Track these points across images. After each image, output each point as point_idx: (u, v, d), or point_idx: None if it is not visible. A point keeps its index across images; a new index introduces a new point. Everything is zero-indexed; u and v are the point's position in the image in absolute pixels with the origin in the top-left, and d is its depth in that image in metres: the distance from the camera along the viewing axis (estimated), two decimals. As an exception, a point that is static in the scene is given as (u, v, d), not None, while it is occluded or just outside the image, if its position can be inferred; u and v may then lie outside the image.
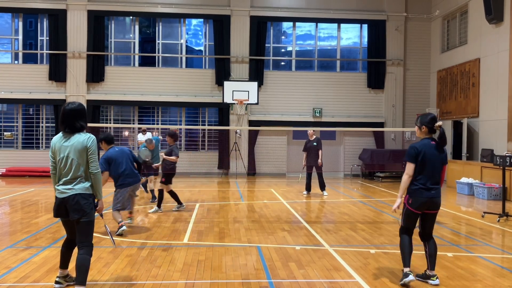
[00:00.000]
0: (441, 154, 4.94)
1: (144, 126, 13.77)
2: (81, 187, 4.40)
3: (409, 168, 4.91)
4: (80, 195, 4.36)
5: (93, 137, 4.49)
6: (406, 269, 4.92)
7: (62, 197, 4.38)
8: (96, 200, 4.54)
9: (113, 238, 5.03)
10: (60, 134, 4.51)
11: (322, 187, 12.44)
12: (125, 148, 7.85)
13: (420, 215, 5.01)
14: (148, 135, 15.82)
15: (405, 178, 4.93)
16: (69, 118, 4.44)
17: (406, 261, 4.97)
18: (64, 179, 4.41)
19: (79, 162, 4.39)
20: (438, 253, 6.33)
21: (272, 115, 18.11)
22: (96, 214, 4.55)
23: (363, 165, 17.80)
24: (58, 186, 4.44)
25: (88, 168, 4.43)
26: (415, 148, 4.91)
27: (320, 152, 12.14)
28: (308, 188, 12.44)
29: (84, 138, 4.42)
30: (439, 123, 4.92)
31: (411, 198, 4.93)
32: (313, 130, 12.49)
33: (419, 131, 5.05)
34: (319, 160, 12.10)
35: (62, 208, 4.42)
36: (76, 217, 4.37)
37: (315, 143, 12.19)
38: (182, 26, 18.31)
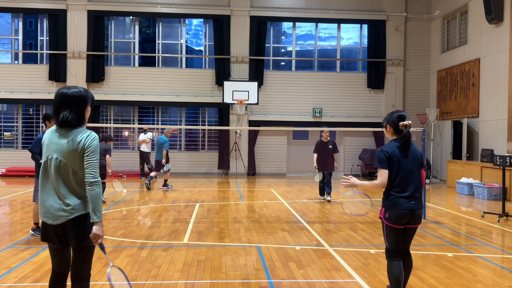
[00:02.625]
0: (415, 157, 4.22)
1: (145, 127, 14.28)
2: (83, 204, 3.28)
3: (383, 175, 4.15)
4: (81, 216, 3.26)
5: (94, 135, 3.36)
6: None
7: (56, 224, 3.25)
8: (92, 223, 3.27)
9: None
10: (54, 127, 3.41)
11: (329, 190, 11.52)
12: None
13: (402, 230, 4.25)
14: (149, 134, 16.14)
15: (376, 183, 4.20)
16: (57, 107, 3.38)
17: None
18: (54, 192, 3.27)
19: (73, 167, 3.26)
20: (438, 253, 6.36)
21: (272, 115, 18.10)
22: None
23: (363, 165, 17.80)
24: (46, 204, 3.29)
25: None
26: (384, 151, 4.17)
27: (336, 155, 11.37)
28: (323, 192, 11.59)
29: (82, 136, 3.29)
30: (405, 122, 4.17)
31: (388, 211, 4.17)
32: (328, 131, 11.41)
33: (385, 130, 4.36)
34: (336, 164, 11.37)
35: (56, 233, 3.29)
36: (76, 243, 3.28)
37: (330, 146, 11.28)
38: (182, 26, 18.31)
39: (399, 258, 4.22)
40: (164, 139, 12.99)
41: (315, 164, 11.31)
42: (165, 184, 13.31)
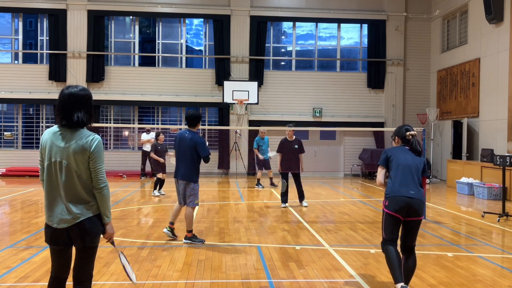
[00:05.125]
0: (416, 159, 4.69)
1: (148, 126, 14.42)
2: (87, 208, 3.27)
3: (379, 173, 4.78)
4: (88, 220, 3.26)
5: (98, 138, 3.29)
6: (400, 285, 4.31)
7: (61, 228, 3.24)
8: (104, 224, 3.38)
9: (130, 273, 3.80)
10: (55, 128, 3.32)
11: (302, 196, 10.47)
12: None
13: (401, 223, 4.55)
14: (152, 134, 16.02)
15: (377, 184, 4.85)
16: (67, 107, 3.25)
17: (398, 276, 4.35)
18: (59, 196, 3.24)
19: (77, 171, 3.23)
20: (438, 253, 6.37)
21: (272, 115, 18.10)
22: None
23: (363, 165, 17.80)
24: (51, 208, 3.26)
25: (92, 180, 3.27)
26: (385, 152, 4.81)
27: (301, 156, 10.26)
28: (286, 199, 10.28)
29: (87, 139, 3.24)
30: (411, 132, 4.78)
31: (388, 199, 4.54)
32: (293, 130, 10.29)
33: (393, 142, 4.98)
34: (302, 166, 10.28)
35: (60, 236, 3.27)
36: (82, 243, 3.28)
37: (296, 146, 10.18)
38: (182, 26, 18.31)
39: (392, 245, 4.50)
40: (256, 139, 14.14)
41: (279, 167, 10.24)
42: (257, 183, 14.16)
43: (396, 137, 4.90)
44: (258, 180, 14.16)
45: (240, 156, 17.68)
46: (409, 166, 4.61)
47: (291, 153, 10.18)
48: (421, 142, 4.86)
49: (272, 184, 14.27)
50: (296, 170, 10.23)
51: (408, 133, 4.78)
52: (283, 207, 10.19)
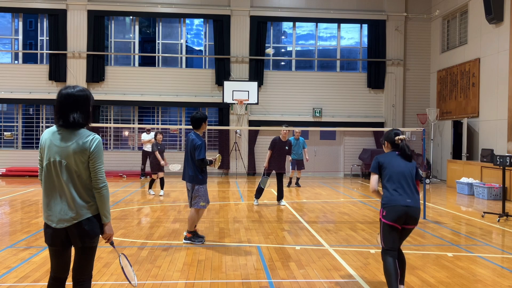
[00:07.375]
0: (408, 164, 4.58)
1: (148, 126, 14.14)
2: (87, 208, 3.26)
3: (372, 179, 4.60)
4: (87, 220, 3.26)
5: (98, 138, 3.29)
6: None
7: (60, 227, 3.24)
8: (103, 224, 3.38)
9: (130, 275, 3.77)
10: (55, 128, 3.32)
11: (281, 197, 10.63)
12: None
13: (399, 230, 4.49)
14: (152, 134, 15.93)
15: (371, 191, 4.69)
16: (64, 107, 3.26)
17: (393, 286, 4.34)
18: (59, 196, 3.24)
19: (77, 170, 3.23)
20: (438, 253, 6.37)
21: (272, 115, 18.10)
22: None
23: (363, 165, 17.80)
24: (50, 208, 3.26)
25: (91, 180, 3.27)
26: (376, 158, 4.67)
27: (288, 157, 10.57)
28: (259, 196, 10.60)
29: (87, 139, 3.24)
30: (401, 136, 4.67)
31: (385, 209, 4.45)
32: (287, 131, 10.50)
33: (383, 147, 4.89)
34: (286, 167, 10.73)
35: (59, 236, 3.27)
36: (81, 244, 3.28)
37: (287, 147, 10.52)
38: (182, 26, 18.32)
39: (392, 256, 4.44)
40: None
41: (266, 164, 10.39)
42: (289, 183, 14.31)
43: (386, 142, 4.81)
44: (290, 179, 14.33)
45: (240, 156, 17.68)
46: (403, 174, 4.51)
47: (281, 153, 10.43)
48: (410, 146, 4.75)
49: (297, 184, 14.28)
50: (282, 170, 10.56)
51: (397, 137, 4.68)
52: (256, 204, 10.50)
